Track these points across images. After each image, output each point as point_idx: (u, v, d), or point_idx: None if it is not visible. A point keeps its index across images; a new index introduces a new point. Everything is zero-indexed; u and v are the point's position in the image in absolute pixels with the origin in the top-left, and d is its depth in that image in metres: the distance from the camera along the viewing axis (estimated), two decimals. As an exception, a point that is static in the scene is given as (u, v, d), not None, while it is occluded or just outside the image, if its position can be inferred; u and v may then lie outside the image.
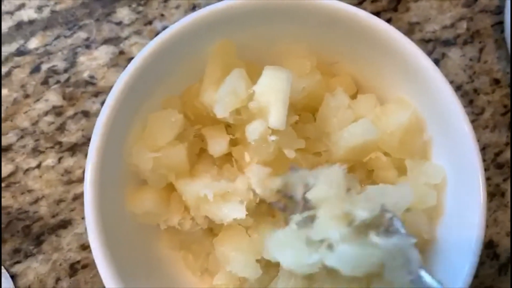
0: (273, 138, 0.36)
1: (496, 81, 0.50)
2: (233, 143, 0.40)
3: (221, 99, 0.37)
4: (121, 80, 0.36)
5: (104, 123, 0.36)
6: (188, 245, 0.42)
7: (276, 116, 0.36)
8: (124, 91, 0.36)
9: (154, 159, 0.37)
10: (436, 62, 0.50)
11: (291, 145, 0.38)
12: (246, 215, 0.37)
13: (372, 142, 0.39)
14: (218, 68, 0.39)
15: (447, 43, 0.51)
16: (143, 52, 0.36)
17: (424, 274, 0.31)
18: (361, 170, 0.41)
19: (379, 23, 0.38)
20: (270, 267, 0.38)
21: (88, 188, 0.35)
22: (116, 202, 0.37)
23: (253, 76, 0.38)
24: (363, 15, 0.38)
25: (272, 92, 0.36)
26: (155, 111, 0.39)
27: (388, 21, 0.51)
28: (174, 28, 0.37)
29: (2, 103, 0.48)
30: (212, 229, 0.41)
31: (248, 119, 0.37)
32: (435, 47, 0.51)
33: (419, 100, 0.40)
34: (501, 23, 0.51)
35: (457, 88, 0.50)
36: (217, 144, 0.39)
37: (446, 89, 0.37)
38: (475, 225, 0.34)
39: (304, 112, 0.42)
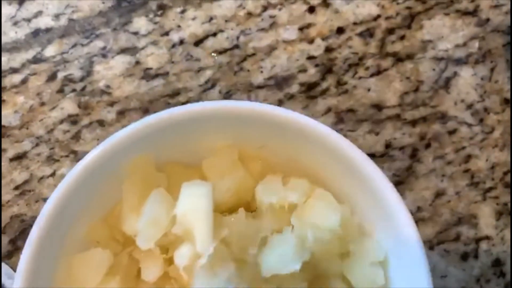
0: (203, 261, 0.34)
1: (506, 101, 0.51)
2: (169, 262, 0.37)
3: (142, 232, 0.35)
4: (42, 216, 0.34)
5: (25, 269, 0.33)
6: None
7: (201, 240, 0.34)
8: (46, 227, 0.34)
9: None
10: (448, 80, 0.51)
11: (224, 264, 0.35)
12: None
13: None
14: (136, 190, 0.37)
15: (459, 61, 0.52)
16: (61, 186, 0.35)
17: None
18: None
19: (292, 116, 0.36)
20: None
21: None
22: None
23: (177, 185, 0.36)
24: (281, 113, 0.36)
25: (193, 212, 0.34)
26: (81, 244, 0.37)
27: (402, 38, 0.52)
28: (93, 154, 0.35)
29: (18, 111, 0.48)
30: None
31: (175, 240, 0.36)
32: (447, 66, 0.51)
33: (345, 180, 0.38)
34: (512, 43, 0.52)
35: (468, 106, 0.51)
36: (150, 270, 0.37)
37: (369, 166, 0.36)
38: None
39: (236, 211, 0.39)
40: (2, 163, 0.48)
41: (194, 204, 0.35)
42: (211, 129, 0.38)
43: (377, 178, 0.35)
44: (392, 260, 0.38)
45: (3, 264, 0.45)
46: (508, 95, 0.51)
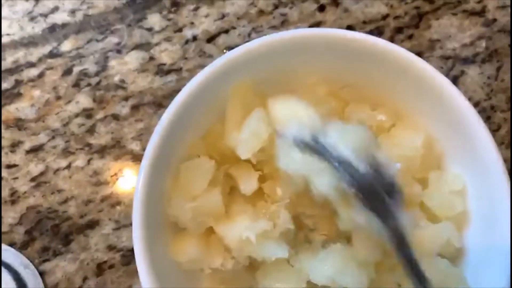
0: None
1: (513, 99, 0.52)
2: (262, 179, 0.41)
3: (244, 142, 0.38)
4: (158, 131, 0.37)
5: (146, 175, 0.37)
6: (229, 282, 0.42)
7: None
8: (160, 141, 0.37)
9: (193, 209, 0.38)
10: (455, 79, 0.52)
11: None
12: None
13: None
14: (238, 109, 0.40)
15: (466, 61, 0.53)
16: (177, 100, 0.38)
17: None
18: None
19: (393, 48, 0.40)
20: None
21: (137, 240, 0.36)
22: (161, 249, 0.39)
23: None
24: (376, 42, 0.40)
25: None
26: (183, 157, 0.40)
27: (410, 37, 0.53)
28: (203, 74, 0.38)
29: (35, 104, 0.49)
30: (252, 264, 0.41)
31: (271, 158, 0.38)
32: (455, 65, 0.52)
33: (432, 114, 0.41)
34: (518, 43, 0.53)
35: (475, 105, 0.52)
36: (247, 183, 0.40)
37: (459, 98, 0.39)
38: (505, 235, 0.36)
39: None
40: (19, 156, 0.48)
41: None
42: (303, 63, 0.41)
43: (466, 110, 0.39)
44: (471, 190, 0.40)
45: (20, 255, 0.46)
46: (514, 94, 0.52)
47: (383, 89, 0.42)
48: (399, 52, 0.40)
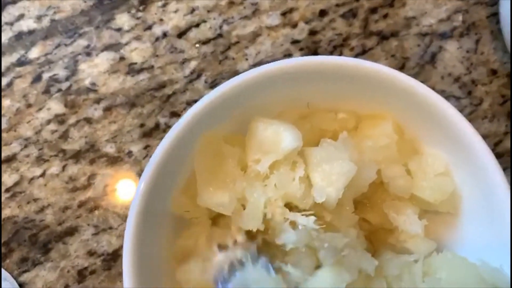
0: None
1: (493, 72, 0.51)
2: None
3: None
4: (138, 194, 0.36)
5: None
6: None
7: None
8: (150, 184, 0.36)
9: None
10: (434, 55, 0.51)
11: None
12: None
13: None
14: (208, 162, 0.39)
15: (444, 36, 0.51)
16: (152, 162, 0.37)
17: None
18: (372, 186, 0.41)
19: (338, 60, 0.39)
20: None
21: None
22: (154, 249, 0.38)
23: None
24: (322, 60, 0.39)
25: None
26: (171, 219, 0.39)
27: (385, 16, 0.52)
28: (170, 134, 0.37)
29: (5, 114, 0.48)
30: None
31: None
32: (432, 41, 0.51)
33: (391, 104, 0.40)
34: (496, 14, 0.51)
35: (455, 80, 0.50)
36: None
37: (417, 85, 0.38)
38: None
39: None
40: (-8, 167, 0.47)
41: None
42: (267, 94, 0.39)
43: (425, 94, 0.37)
44: (456, 170, 0.39)
45: (-3, 267, 0.45)
46: (494, 66, 0.51)
47: (337, 96, 0.41)
48: (345, 61, 0.39)
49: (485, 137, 0.49)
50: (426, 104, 0.38)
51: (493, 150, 0.48)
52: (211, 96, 0.37)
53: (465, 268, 0.35)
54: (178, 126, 0.36)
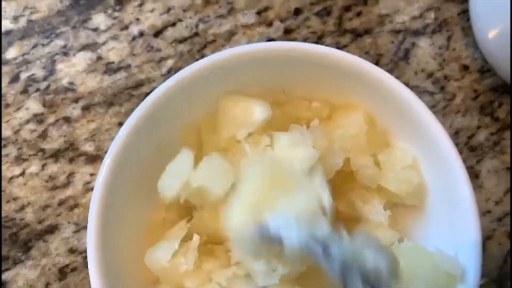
0: None
1: (465, 67, 0.52)
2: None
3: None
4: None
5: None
6: None
7: None
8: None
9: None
10: (407, 51, 0.52)
11: None
12: None
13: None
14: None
15: (417, 33, 0.52)
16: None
17: None
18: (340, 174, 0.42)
19: (308, 47, 0.40)
20: None
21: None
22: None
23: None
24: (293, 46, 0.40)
25: None
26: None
27: (359, 14, 0.53)
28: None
29: (-17, 114, 0.49)
30: None
31: None
32: (405, 37, 0.52)
33: (364, 96, 0.42)
34: (466, 11, 0.53)
35: (428, 75, 0.51)
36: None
37: (386, 77, 0.39)
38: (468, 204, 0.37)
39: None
40: (-29, 167, 0.48)
41: None
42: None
43: (394, 86, 0.39)
44: (423, 164, 0.41)
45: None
46: (466, 62, 0.52)
47: (312, 84, 0.42)
48: (314, 48, 0.40)
49: (458, 131, 0.50)
50: (395, 97, 0.39)
51: (466, 143, 0.50)
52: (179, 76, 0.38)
53: (423, 256, 0.36)
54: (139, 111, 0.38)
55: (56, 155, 0.48)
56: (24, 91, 0.49)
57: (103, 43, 0.51)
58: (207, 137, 0.42)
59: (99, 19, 0.51)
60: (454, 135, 0.50)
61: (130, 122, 0.38)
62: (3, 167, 0.48)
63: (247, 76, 0.41)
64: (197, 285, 0.38)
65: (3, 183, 0.47)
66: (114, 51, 0.51)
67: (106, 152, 0.48)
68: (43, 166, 0.48)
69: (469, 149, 0.50)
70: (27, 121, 0.49)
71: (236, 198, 0.34)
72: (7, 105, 0.49)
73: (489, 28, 0.49)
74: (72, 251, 0.46)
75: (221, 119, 0.41)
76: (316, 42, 0.52)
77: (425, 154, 0.40)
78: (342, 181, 0.41)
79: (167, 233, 0.40)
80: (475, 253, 0.35)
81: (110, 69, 0.50)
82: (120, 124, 0.49)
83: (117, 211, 0.38)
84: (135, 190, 0.39)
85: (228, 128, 0.40)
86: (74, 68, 0.50)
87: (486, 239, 0.48)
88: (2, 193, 0.47)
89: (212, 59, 0.39)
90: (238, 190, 0.35)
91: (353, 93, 0.42)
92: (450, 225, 0.38)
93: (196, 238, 0.38)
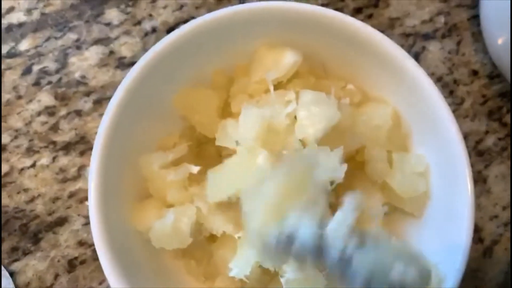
0: None
1: (474, 72, 0.53)
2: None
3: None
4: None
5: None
6: (190, 253, 0.42)
7: None
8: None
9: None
10: (417, 55, 0.52)
11: None
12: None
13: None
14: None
15: (427, 37, 0.53)
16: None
17: None
18: (352, 162, 0.42)
19: (359, 25, 0.40)
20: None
21: (93, 201, 0.36)
22: (120, 217, 0.39)
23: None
24: (346, 20, 0.40)
25: None
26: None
27: (370, 16, 0.53)
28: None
29: (-5, 105, 0.49)
30: (213, 235, 0.42)
31: None
32: (415, 41, 0.53)
33: (398, 95, 0.42)
34: (477, 16, 0.53)
35: (437, 79, 0.52)
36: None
37: (426, 81, 0.39)
38: (464, 218, 0.37)
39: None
40: (-18, 157, 0.48)
41: None
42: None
43: (428, 88, 0.39)
44: (434, 173, 0.41)
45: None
46: (475, 67, 0.53)
47: (352, 68, 0.43)
48: (364, 29, 0.40)
49: (466, 135, 0.51)
50: (426, 100, 0.39)
51: (474, 148, 0.51)
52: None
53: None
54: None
55: (67, 148, 0.48)
56: (36, 83, 0.50)
57: (116, 38, 0.51)
58: (237, 80, 0.43)
59: (112, 14, 0.52)
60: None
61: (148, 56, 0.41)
62: (14, 158, 0.48)
63: (288, 34, 0.41)
64: (177, 199, 0.40)
65: (15, 174, 0.48)
66: (126, 46, 0.51)
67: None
68: (54, 158, 0.48)
69: (477, 154, 0.51)
70: (39, 113, 0.49)
71: (257, 198, 0.33)
72: (19, 97, 0.49)
73: (498, 34, 0.49)
74: (81, 243, 0.46)
75: (254, 65, 0.42)
76: (327, 43, 0.52)
77: (438, 162, 0.40)
78: (351, 170, 0.41)
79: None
80: (455, 273, 0.35)
81: (122, 64, 0.50)
82: (131, 119, 0.49)
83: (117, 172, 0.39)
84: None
85: (259, 72, 0.41)
86: (86, 62, 0.50)
87: (493, 243, 0.49)
88: (13, 184, 0.47)
89: (252, 5, 0.41)
90: (260, 190, 0.33)
91: (387, 89, 0.42)
92: (441, 238, 0.38)
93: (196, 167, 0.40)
